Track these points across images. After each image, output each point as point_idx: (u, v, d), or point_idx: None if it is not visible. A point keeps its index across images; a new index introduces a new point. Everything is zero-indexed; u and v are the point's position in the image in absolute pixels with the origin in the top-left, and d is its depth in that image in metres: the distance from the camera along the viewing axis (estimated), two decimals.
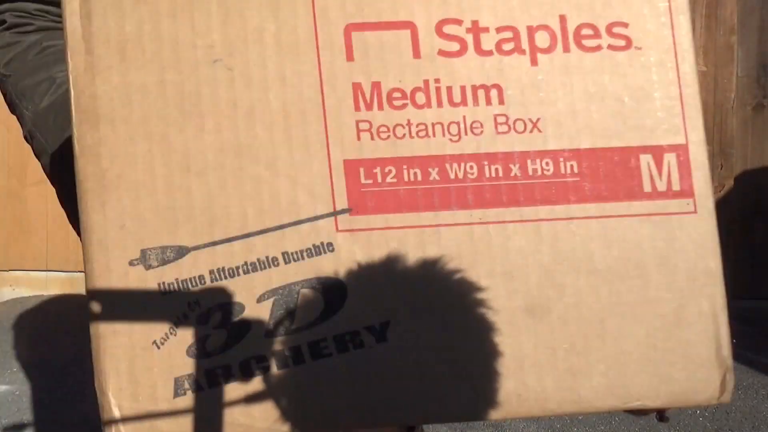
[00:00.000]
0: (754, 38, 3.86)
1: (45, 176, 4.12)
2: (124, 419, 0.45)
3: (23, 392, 2.42)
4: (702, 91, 3.27)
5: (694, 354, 0.49)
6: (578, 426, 2.13)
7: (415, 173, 0.45)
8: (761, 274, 3.89)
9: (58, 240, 3.90)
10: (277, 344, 0.42)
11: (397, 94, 0.46)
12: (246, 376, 0.42)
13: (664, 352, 0.50)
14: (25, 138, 0.70)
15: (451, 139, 0.47)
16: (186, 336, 0.43)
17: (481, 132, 0.46)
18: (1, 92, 0.75)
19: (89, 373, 2.43)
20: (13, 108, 0.73)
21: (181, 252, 0.41)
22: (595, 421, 2.16)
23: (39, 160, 0.67)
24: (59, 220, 3.89)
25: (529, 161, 0.46)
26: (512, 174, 0.45)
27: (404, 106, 0.46)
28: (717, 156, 3.70)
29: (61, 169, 0.59)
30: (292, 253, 0.42)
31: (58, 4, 0.62)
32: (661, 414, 0.91)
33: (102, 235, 0.44)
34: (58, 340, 3.03)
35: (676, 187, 0.48)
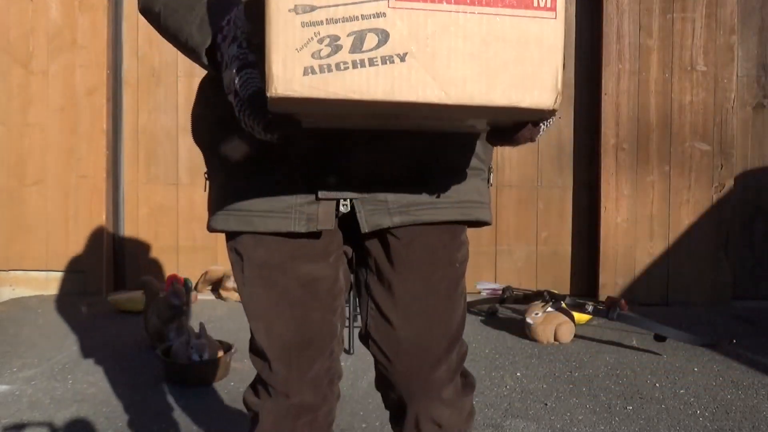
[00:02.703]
0: (754, 38, 3.87)
1: (44, 176, 4.12)
2: (278, 89, 0.73)
3: (23, 392, 2.42)
4: (702, 91, 3.29)
5: (541, 81, 0.76)
6: (578, 426, 2.14)
7: None
8: (761, 274, 3.90)
9: (58, 240, 3.91)
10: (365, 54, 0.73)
11: None
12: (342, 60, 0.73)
13: (522, 77, 0.76)
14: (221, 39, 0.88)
15: None
16: (312, 48, 0.72)
17: None
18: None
19: (89, 373, 2.43)
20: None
21: (313, 8, 0.72)
22: (595, 421, 2.17)
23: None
24: (59, 220, 3.90)
25: None
26: None
27: None
28: (717, 156, 3.70)
29: None
30: (364, 16, 0.72)
31: None
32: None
33: None
34: (58, 340, 3.03)
35: (550, 5, 0.75)
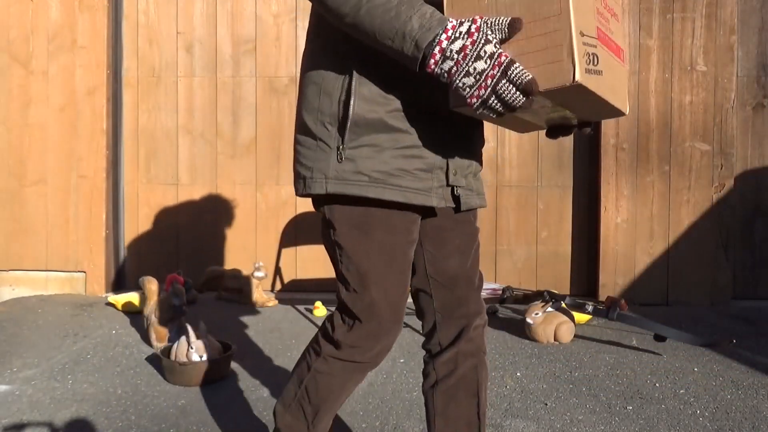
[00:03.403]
0: (754, 38, 3.87)
1: (44, 176, 4.15)
2: (579, 79, 1.16)
3: (23, 392, 2.42)
4: (702, 91, 3.32)
5: (624, 97, 1.33)
6: (578, 426, 2.14)
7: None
8: (761, 274, 3.91)
9: (58, 240, 3.91)
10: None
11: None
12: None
13: (621, 95, 1.31)
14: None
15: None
16: (586, 58, 1.17)
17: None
18: None
19: (89, 373, 2.42)
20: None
21: (584, 35, 1.18)
22: (595, 421, 2.17)
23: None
24: (59, 220, 3.90)
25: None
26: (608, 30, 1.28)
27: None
28: (717, 156, 3.71)
29: None
30: (593, 45, 1.20)
31: None
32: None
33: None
34: (58, 340, 3.03)
35: (625, 61, 1.34)
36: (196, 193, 4.02)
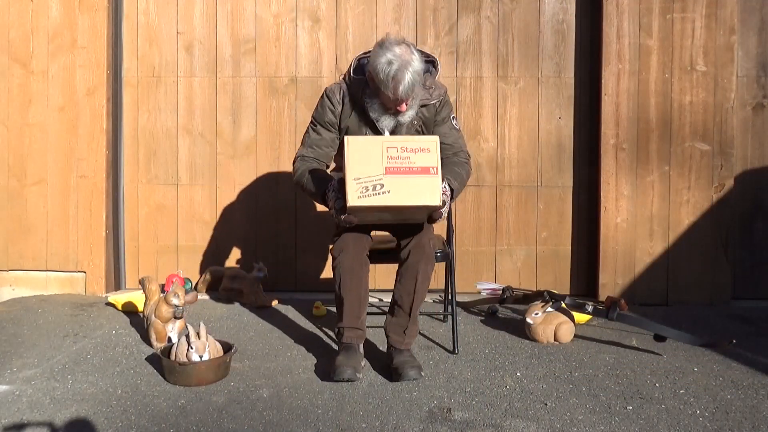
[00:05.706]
0: (754, 38, 3.86)
1: (44, 176, 4.18)
2: (352, 204, 2.32)
3: (23, 392, 2.42)
4: (702, 91, 3.32)
5: (433, 195, 2.34)
6: (578, 426, 2.14)
7: None
8: (761, 274, 3.90)
9: (58, 240, 3.91)
10: None
11: None
12: None
13: (427, 194, 2.35)
14: None
15: None
16: (361, 189, 2.34)
17: None
18: None
19: (89, 373, 2.42)
20: None
21: (360, 179, 2.32)
22: (595, 421, 2.17)
23: None
24: (59, 220, 3.90)
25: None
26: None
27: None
28: (717, 156, 3.70)
29: None
30: (377, 179, 2.34)
31: None
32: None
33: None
34: (58, 340, 3.03)
35: (435, 172, 2.34)
36: (196, 193, 4.02)
